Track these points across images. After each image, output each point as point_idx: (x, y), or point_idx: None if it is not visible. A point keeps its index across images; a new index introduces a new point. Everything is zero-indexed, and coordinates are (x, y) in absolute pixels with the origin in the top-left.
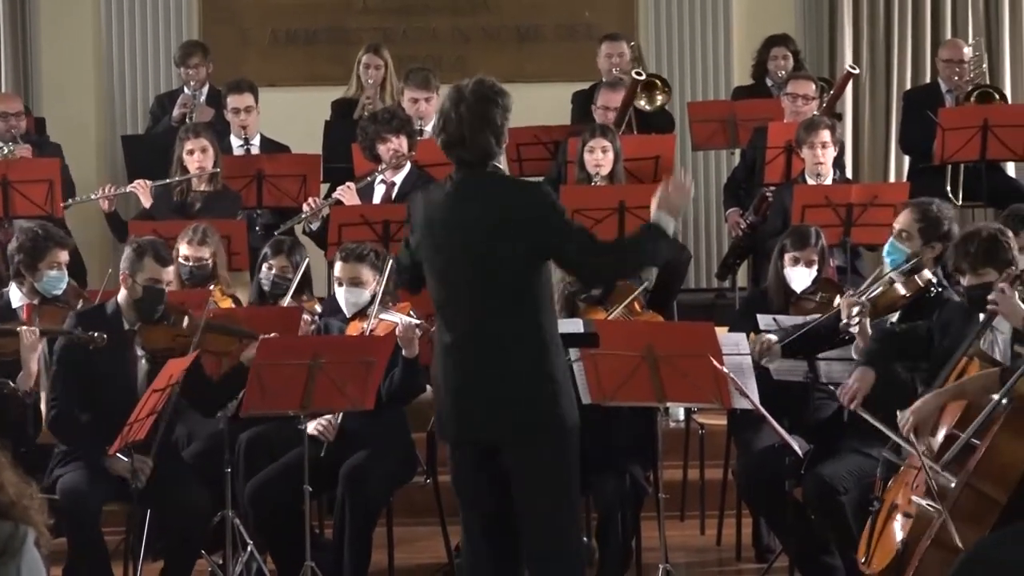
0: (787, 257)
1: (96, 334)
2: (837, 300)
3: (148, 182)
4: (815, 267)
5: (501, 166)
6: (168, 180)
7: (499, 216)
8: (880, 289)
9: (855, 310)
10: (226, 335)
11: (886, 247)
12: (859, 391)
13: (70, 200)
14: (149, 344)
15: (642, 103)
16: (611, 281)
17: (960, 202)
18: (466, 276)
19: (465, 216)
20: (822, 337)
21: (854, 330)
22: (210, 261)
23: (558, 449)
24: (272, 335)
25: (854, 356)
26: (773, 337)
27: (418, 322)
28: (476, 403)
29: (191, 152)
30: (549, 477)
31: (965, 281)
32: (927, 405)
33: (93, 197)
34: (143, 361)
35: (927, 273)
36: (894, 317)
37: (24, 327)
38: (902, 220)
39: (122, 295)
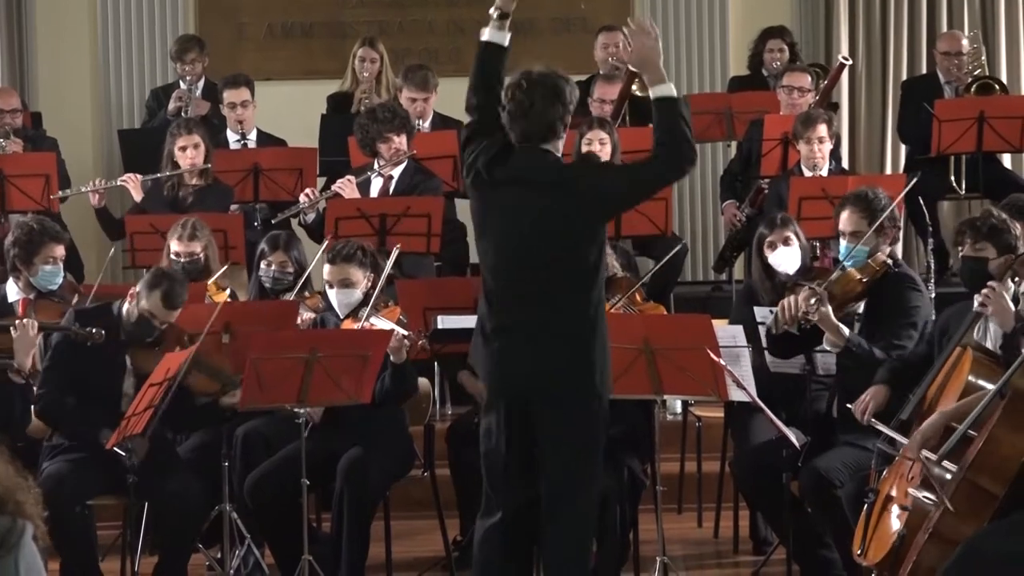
0: (766, 245)
1: (94, 330)
2: None
3: (138, 176)
4: (795, 244)
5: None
6: (159, 175)
7: (566, 190)
8: (835, 275)
9: (812, 300)
10: (210, 377)
11: (843, 251)
12: (871, 406)
13: (60, 192)
14: (136, 364)
15: (635, 89)
16: (691, 154)
17: (964, 192)
18: (533, 252)
19: (531, 197)
20: (804, 336)
21: (814, 318)
22: (202, 255)
23: (596, 421)
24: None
25: (827, 348)
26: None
27: (406, 333)
28: (527, 362)
29: (183, 148)
30: (583, 444)
31: (962, 251)
32: (933, 426)
33: (83, 190)
34: (131, 378)
35: (881, 256)
36: (860, 308)
37: (23, 320)
38: (849, 221)
39: (126, 308)
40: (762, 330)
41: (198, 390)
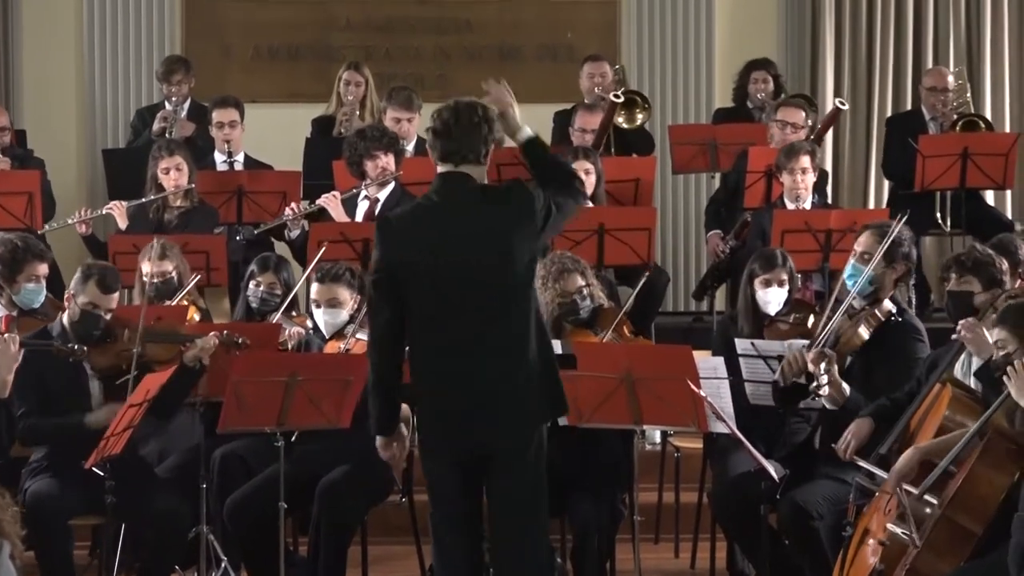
0: (757, 281)
1: (76, 347)
2: (811, 320)
3: (123, 203)
4: (786, 287)
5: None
6: (143, 199)
7: (497, 215)
8: (842, 336)
9: (823, 365)
10: (167, 342)
11: (847, 269)
12: (855, 443)
13: (46, 226)
14: (96, 365)
15: (620, 120)
16: (578, 187)
17: (949, 229)
18: (474, 284)
19: (469, 225)
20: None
21: (823, 381)
22: (174, 274)
23: (544, 460)
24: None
25: (826, 405)
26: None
27: None
28: (486, 414)
29: (166, 171)
30: (540, 486)
31: (948, 286)
32: (909, 462)
33: (70, 222)
34: (94, 381)
35: (887, 304)
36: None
37: (4, 335)
38: (864, 243)
39: (66, 315)
40: (744, 363)
41: (160, 360)
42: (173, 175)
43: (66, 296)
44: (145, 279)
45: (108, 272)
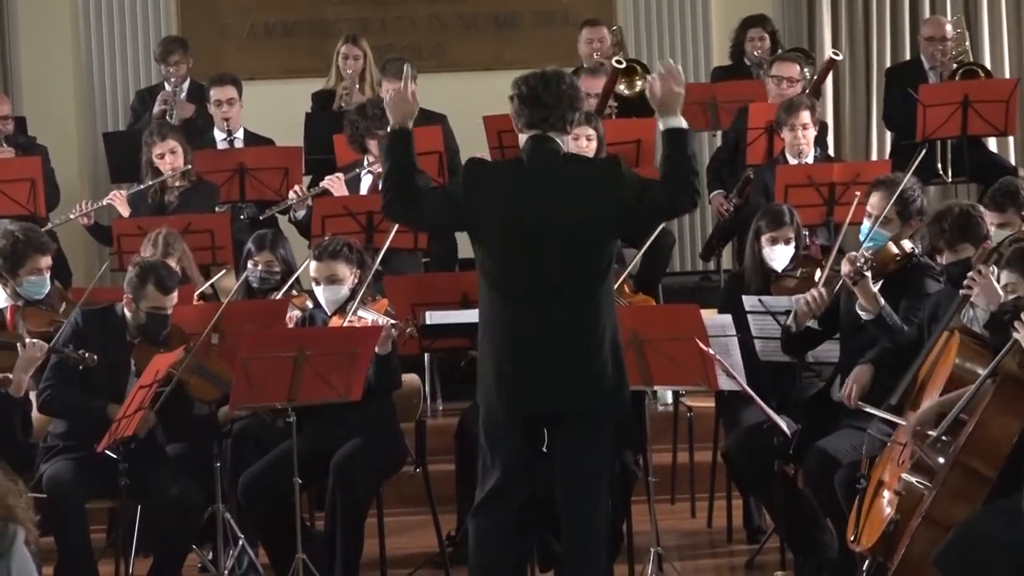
0: (764, 238)
1: (87, 355)
2: (818, 275)
3: (123, 192)
4: (792, 244)
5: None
6: (141, 186)
7: (581, 181)
8: (874, 249)
9: (860, 263)
10: (211, 382)
11: (863, 231)
12: (857, 388)
13: (50, 224)
14: (140, 364)
15: (621, 87)
16: (693, 195)
17: (950, 179)
18: (547, 244)
19: (553, 186)
20: (822, 330)
21: (860, 276)
22: (178, 268)
23: (611, 429)
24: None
25: (859, 311)
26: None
27: (394, 322)
28: (554, 375)
29: (161, 155)
30: (606, 457)
31: (943, 259)
32: (929, 412)
33: (72, 216)
34: (133, 379)
35: (906, 243)
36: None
37: (30, 340)
38: (878, 205)
39: (129, 313)
40: (752, 319)
41: (198, 395)
42: (168, 159)
43: (125, 299)
44: None
45: (163, 272)
